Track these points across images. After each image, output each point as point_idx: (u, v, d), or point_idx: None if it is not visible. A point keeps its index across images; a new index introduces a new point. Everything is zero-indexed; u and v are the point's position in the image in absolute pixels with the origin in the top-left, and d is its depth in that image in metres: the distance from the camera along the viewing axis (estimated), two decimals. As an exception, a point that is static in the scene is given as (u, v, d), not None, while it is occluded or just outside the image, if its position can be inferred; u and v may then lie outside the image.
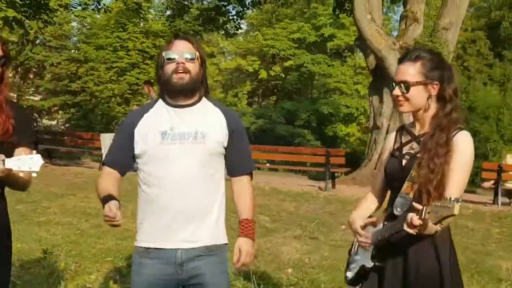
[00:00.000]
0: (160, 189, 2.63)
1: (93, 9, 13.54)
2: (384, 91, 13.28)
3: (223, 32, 18.48)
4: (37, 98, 29.12)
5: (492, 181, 11.28)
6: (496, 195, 11.20)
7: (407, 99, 2.48)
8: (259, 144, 18.79)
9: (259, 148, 14.14)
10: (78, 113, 27.79)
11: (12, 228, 2.72)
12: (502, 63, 27.80)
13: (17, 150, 2.50)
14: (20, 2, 10.49)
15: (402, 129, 2.66)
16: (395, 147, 2.63)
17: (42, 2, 11.05)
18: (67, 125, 29.88)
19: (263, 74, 29.30)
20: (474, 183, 19.02)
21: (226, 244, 2.71)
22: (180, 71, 2.58)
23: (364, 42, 13.05)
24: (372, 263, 2.55)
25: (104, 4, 13.47)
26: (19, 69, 27.86)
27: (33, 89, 28.50)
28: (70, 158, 15.95)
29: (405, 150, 2.56)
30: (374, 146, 13.48)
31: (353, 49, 30.22)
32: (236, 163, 2.76)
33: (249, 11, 17.78)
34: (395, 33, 29.87)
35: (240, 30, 22.42)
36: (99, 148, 13.42)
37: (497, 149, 23.63)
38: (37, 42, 23.13)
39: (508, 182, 11.08)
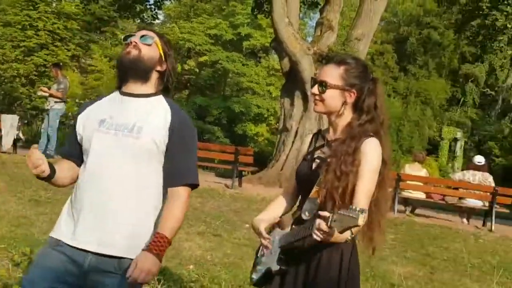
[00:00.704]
0: (83, 179, 2.44)
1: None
2: (295, 94, 13.53)
3: (139, 20, 18.14)
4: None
5: (390, 189, 11.79)
6: (393, 203, 11.70)
7: (322, 100, 2.50)
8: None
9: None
10: (-23, 90, 26.27)
11: None
12: (406, 77, 29.23)
13: None
14: None
15: (318, 134, 2.68)
16: (308, 151, 2.65)
17: None
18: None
19: (178, 67, 29.05)
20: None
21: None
22: (130, 48, 2.46)
23: (280, 45, 13.25)
24: (278, 267, 2.53)
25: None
26: None
27: None
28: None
29: (316, 154, 2.57)
30: (282, 147, 13.71)
31: (268, 50, 30.60)
32: (171, 170, 2.44)
33: (168, 2, 17.53)
34: (309, 39, 30.71)
35: (156, 21, 22.08)
36: (-1, 129, 12.79)
37: (395, 158, 24.79)
38: None
39: (405, 190, 11.64)
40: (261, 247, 2.73)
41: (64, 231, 2.42)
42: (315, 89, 2.50)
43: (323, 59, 13.18)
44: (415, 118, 26.87)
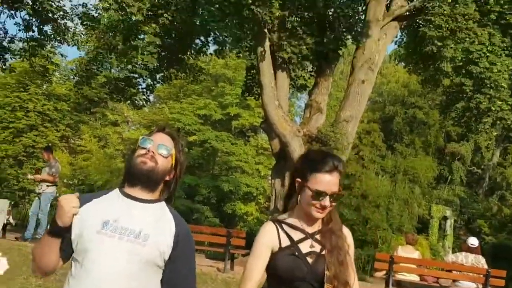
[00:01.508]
0: (80, 277, 2.37)
1: (-3, 69, 13.09)
2: (286, 175, 13.59)
3: (128, 102, 18.36)
4: None
5: (384, 271, 11.65)
6: (387, 285, 11.55)
7: (328, 208, 2.57)
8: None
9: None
10: (-36, 173, 26.12)
11: None
12: (393, 155, 29.55)
13: None
14: None
15: (281, 224, 2.63)
16: (282, 244, 2.58)
17: None
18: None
19: (166, 146, 29.17)
20: (364, 270, 19.61)
21: None
22: (147, 158, 2.44)
23: (270, 126, 13.42)
24: None
25: (10, 65, 13.07)
26: None
27: None
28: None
29: (304, 248, 2.57)
30: (273, 228, 13.60)
31: (257, 130, 30.99)
32: (173, 281, 2.44)
33: (159, 85, 17.83)
34: (297, 118, 31.25)
35: (143, 104, 22.36)
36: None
37: (386, 237, 24.63)
38: None
39: (399, 273, 11.50)
40: None
41: None
42: (327, 202, 2.54)
43: (312, 141, 13.36)
44: (404, 196, 26.93)
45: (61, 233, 2.36)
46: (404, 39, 16.36)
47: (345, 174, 25.24)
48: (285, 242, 2.58)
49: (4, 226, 12.22)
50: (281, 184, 13.82)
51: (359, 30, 13.84)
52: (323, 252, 2.53)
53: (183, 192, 27.14)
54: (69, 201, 2.33)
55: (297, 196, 2.62)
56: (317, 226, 2.59)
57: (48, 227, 2.36)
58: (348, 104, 13.70)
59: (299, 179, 2.61)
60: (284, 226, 2.61)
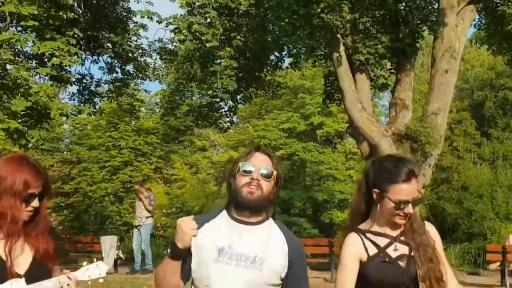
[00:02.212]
0: None
1: (89, 114, 13.78)
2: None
3: (214, 126, 18.77)
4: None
5: (498, 263, 11.17)
6: (503, 276, 11.06)
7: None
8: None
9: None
10: (71, 215, 27.55)
11: None
12: (489, 142, 28.26)
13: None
14: (22, 113, 10.68)
15: (364, 233, 2.66)
16: (370, 253, 2.61)
17: (43, 112, 11.25)
18: (60, 227, 29.52)
19: (255, 164, 29.44)
20: (476, 264, 18.81)
21: None
22: (253, 187, 2.50)
23: (356, 130, 13.27)
24: None
25: (100, 107, 13.74)
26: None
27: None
28: (66, 263, 15.60)
29: (392, 253, 2.54)
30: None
31: (343, 135, 30.66)
32: None
33: (240, 105, 18.11)
34: (382, 118, 30.66)
35: (228, 126, 22.77)
36: (99, 251, 13.22)
37: (494, 227, 23.55)
38: (29, 146, 23.37)
39: (514, 263, 10.98)
40: None
41: None
42: (410, 209, 2.53)
43: (402, 139, 13.06)
44: (507, 183, 25.63)
45: (182, 255, 2.45)
46: (483, 21, 15.70)
47: (442, 167, 24.47)
48: (372, 250, 2.61)
49: (115, 261, 12.76)
50: (376, 187, 13.58)
51: (434, 19, 13.43)
52: (412, 253, 2.54)
53: (278, 207, 27.24)
54: (187, 223, 2.41)
55: (377, 205, 2.58)
56: (399, 229, 2.61)
57: (168, 250, 2.48)
58: (434, 96, 13.30)
59: (376, 190, 2.58)
60: (368, 235, 2.64)
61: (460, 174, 25.71)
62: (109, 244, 12.40)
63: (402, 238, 2.59)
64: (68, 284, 2.31)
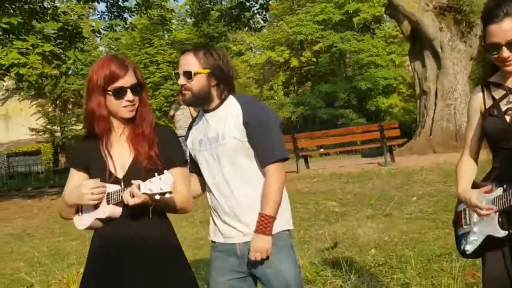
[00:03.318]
0: (208, 191, 2.84)
1: (120, 30, 13.62)
2: (425, 55, 12.96)
3: (246, 28, 18.35)
4: (80, 126, 29.64)
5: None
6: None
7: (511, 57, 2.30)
8: (303, 132, 18.63)
9: (310, 136, 14.00)
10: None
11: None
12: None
13: (169, 172, 2.37)
14: (54, 35, 10.62)
15: (487, 86, 2.47)
16: (487, 106, 2.44)
17: (75, 31, 11.17)
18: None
19: (294, 62, 29.07)
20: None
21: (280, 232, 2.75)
22: (183, 92, 2.73)
23: (396, 9, 12.74)
24: (505, 232, 2.36)
25: (131, 23, 13.54)
26: (58, 101, 28.39)
27: (74, 118, 29.01)
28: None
29: (503, 106, 2.38)
30: (424, 112, 13.15)
31: (381, 19, 29.68)
32: (259, 153, 2.73)
33: (271, 1, 17.56)
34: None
35: (261, 24, 22.26)
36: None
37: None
38: (69, 72, 23.61)
39: None
40: (463, 217, 2.59)
41: (211, 232, 2.88)
42: (505, 52, 2.28)
43: (444, 11, 12.49)
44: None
45: None
46: None
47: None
48: (489, 102, 2.44)
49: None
50: (422, 66, 13.20)
51: None
52: None
53: (323, 101, 27.08)
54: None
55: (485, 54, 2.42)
56: None
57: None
58: (476, -39, 12.52)
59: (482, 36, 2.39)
60: (490, 86, 2.46)
61: None
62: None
63: None
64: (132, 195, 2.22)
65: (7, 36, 10.83)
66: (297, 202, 8.44)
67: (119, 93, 2.39)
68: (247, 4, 15.59)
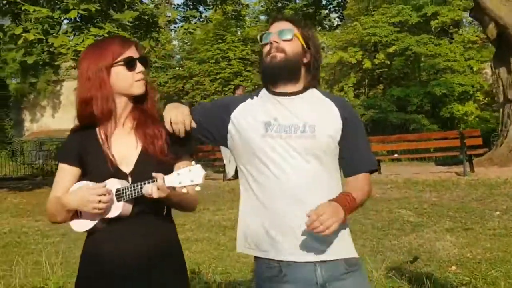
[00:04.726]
0: (269, 186, 2.19)
1: (195, 23, 13.57)
2: (511, 61, 12.22)
3: (319, 27, 17.95)
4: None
5: None
6: None
7: None
8: (373, 135, 18.11)
9: (384, 140, 13.53)
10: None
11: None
12: None
13: (176, 165, 2.17)
14: (131, 24, 10.66)
15: None
16: None
17: (151, 20, 11.19)
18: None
19: (367, 63, 28.38)
20: None
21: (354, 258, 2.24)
22: (273, 50, 2.24)
23: (483, 11, 12.07)
24: None
25: (206, 16, 13.48)
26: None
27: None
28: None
29: None
30: (508, 121, 12.42)
31: (460, 24, 28.56)
32: (352, 159, 2.28)
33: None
34: None
35: (337, 23, 21.85)
36: (220, 159, 13.47)
37: None
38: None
39: None
40: None
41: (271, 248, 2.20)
42: None
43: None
44: None
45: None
46: None
47: None
48: None
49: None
50: (508, 72, 12.47)
51: None
52: None
53: (394, 105, 26.33)
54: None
55: None
56: None
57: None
58: None
59: None
60: None
61: None
62: (229, 151, 12.39)
63: None
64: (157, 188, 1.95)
65: (85, 23, 10.94)
66: (369, 208, 8.06)
67: (130, 63, 2.13)
68: (324, 1, 15.23)
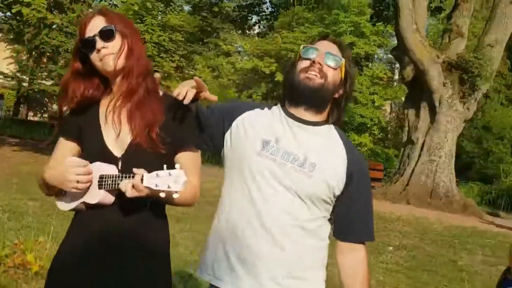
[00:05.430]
0: (237, 204, 2.01)
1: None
2: (421, 105, 12.85)
3: (240, 32, 17.95)
4: (49, 83, 28.55)
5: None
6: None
7: None
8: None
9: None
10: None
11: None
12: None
13: (178, 156, 1.98)
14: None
15: None
16: None
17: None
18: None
19: (279, 77, 28.75)
20: (496, 204, 18.63)
21: None
22: (312, 72, 1.99)
23: (406, 52, 12.60)
24: None
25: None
26: (34, 52, 27.33)
27: (45, 73, 27.96)
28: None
29: None
30: (407, 161, 13.02)
31: (371, 59, 29.76)
32: (350, 222, 2.03)
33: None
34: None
35: (257, 31, 21.98)
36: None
37: (509, 170, 23.31)
38: (53, 27, 22.77)
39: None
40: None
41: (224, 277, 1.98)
42: None
43: (452, 68, 12.41)
44: (533, 128, 25.15)
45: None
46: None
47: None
48: None
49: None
50: (415, 115, 13.09)
51: None
52: None
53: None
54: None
55: None
56: None
57: None
58: (493, 27, 12.55)
59: None
60: None
61: (484, 113, 25.22)
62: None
63: None
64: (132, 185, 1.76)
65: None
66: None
67: (88, 45, 1.94)
68: (258, 8, 15.23)
